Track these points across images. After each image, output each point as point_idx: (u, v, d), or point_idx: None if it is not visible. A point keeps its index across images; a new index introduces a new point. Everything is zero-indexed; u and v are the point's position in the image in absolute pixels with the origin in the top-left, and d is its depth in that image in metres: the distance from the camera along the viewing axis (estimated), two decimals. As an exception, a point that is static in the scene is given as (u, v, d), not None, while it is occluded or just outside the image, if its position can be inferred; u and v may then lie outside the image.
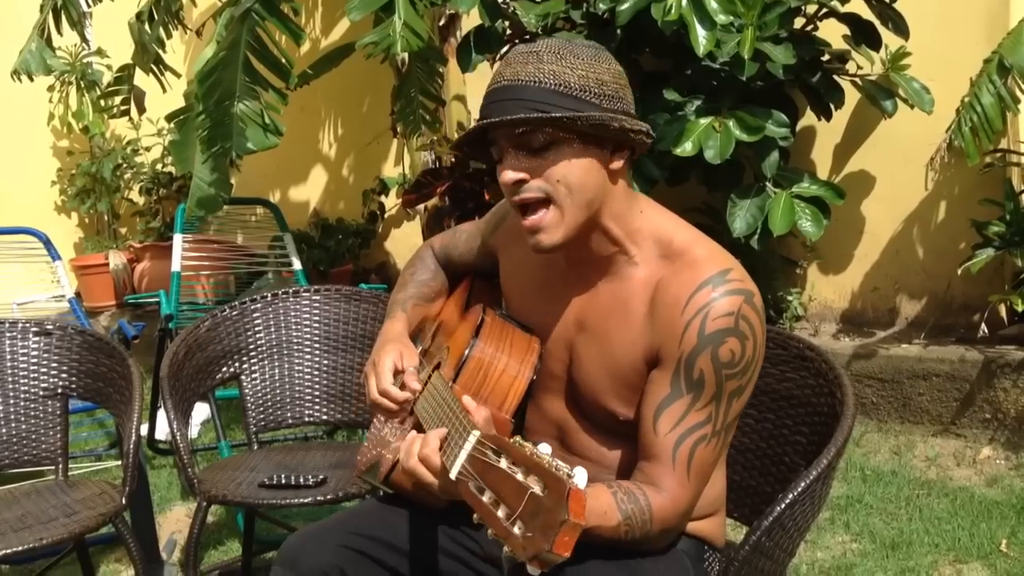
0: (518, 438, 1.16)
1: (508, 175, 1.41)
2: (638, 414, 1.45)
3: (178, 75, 4.44)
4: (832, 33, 3.63)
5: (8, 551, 2.08)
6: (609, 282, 1.50)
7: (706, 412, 1.40)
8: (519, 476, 1.10)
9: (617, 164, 1.44)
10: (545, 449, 1.13)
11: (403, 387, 1.55)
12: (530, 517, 1.08)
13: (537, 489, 1.08)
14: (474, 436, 1.18)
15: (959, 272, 3.46)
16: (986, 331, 3.56)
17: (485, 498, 1.13)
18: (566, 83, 1.38)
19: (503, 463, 1.13)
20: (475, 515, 1.15)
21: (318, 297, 2.73)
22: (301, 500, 2.24)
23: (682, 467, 1.40)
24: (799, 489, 1.43)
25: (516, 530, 1.09)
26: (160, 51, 4.17)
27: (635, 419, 1.46)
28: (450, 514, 1.55)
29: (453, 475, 1.19)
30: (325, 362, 2.70)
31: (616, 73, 1.43)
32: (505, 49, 3.78)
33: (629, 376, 1.46)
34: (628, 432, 1.47)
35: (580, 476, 1.11)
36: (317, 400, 2.70)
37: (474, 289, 1.77)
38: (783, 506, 1.42)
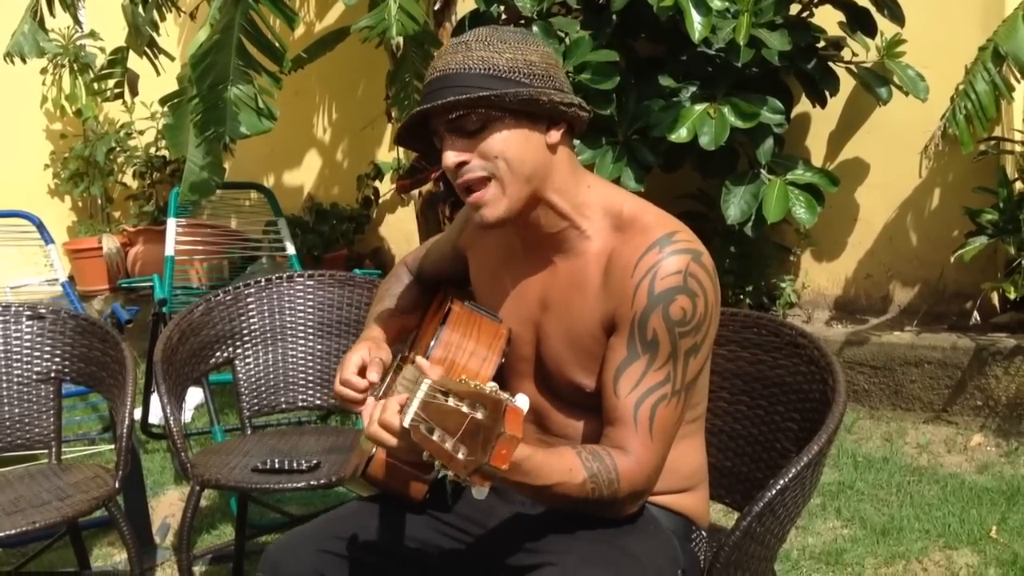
0: (464, 376, 1.22)
1: (449, 157, 1.45)
2: (599, 380, 1.48)
3: (172, 58, 4.42)
4: (828, 20, 3.63)
5: (1, 534, 2.08)
6: (565, 259, 1.53)
7: (664, 372, 1.43)
8: (464, 408, 1.16)
9: (554, 137, 1.47)
10: (492, 386, 1.19)
11: (364, 377, 1.61)
12: (471, 438, 1.15)
13: (479, 415, 1.15)
14: (425, 384, 1.22)
15: (952, 260, 3.47)
16: (978, 319, 3.57)
17: (435, 437, 1.18)
18: (494, 66, 1.43)
19: (451, 401, 1.18)
20: (425, 453, 1.19)
21: (312, 282, 2.73)
22: (294, 485, 2.25)
23: (644, 428, 1.42)
24: (790, 475, 1.44)
25: (460, 456, 1.15)
26: (154, 34, 4.15)
27: (597, 388, 1.48)
28: (429, 507, 1.57)
29: (407, 422, 1.22)
30: (319, 347, 2.71)
31: (544, 54, 1.48)
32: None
33: (590, 346, 1.49)
34: (596, 404, 1.49)
35: (521, 399, 1.18)
36: (311, 385, 2.70)
37: (447, 294, 1.79)
38: (774, 492, 1.43)
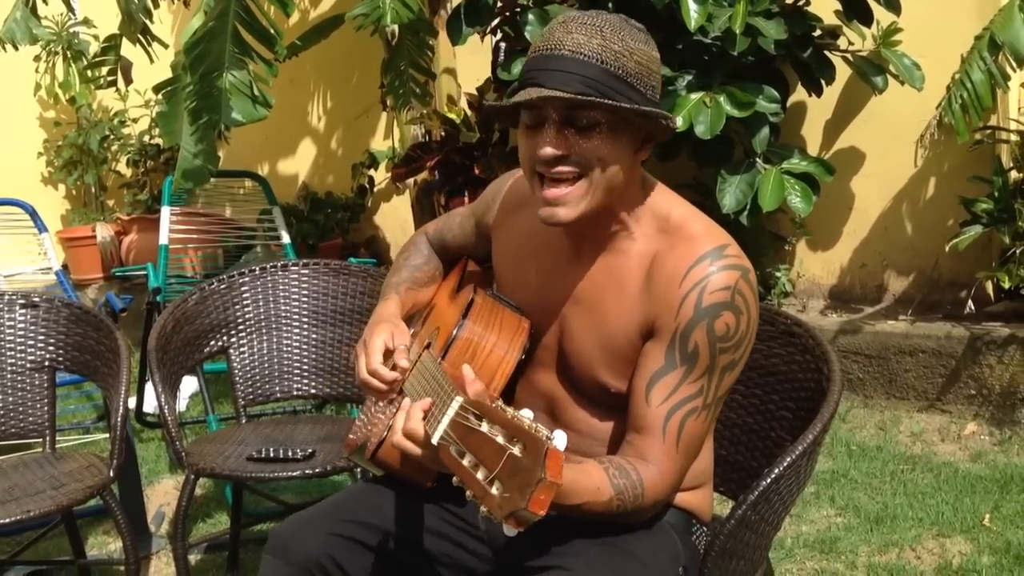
0: (500, 402, 1.16)
1: (548, 151, 1.39)
2: (630, 386, 1.46)
3: (165, 45, 4.40)
4: (824, 8, 3.62)
5: (-4, 523, 2.08)
6: (604, 256, 1.50)
7: (698, 385, 1.41)
8: (499, 439, 1.11)
9: (644, 154, 1.46)
10: (527, 413, 1.15)
11: (393, 367, 1.55)
12: (508, 477, 1.09)
13: (516, 450, 1.10)
14: (457, 402, 1.18)
15: (947, 249, 3.48)
16: (973, 308, 3.58)
17: (465, 461, 1.14)
18: (625, 68, 1.38)
19: (484, 427, 1.13)
20: (455, 478, 1.16)
21: (307, 271, 2.72)
22: (289, 473, 2.24)
23: (671, 439, 1.41)
24: (784, 464, 1.45)
25: (494, 491, 1.10)
26: (147, 21, 4.13)
27: (627, 391, 1.46)
28: (439, 493, 1.55)
29: (435, 440, 1.19)
30: (314, 336, 2.70)
31: (659, 62, 1.44)
32: (497, 22, 3.75)
33: (623, 348, 1.47)
34: (618, 404, 1.48)
35: (559, 438, 1.12)
36: (305, 374, 2.70)
37: (466, 273, 1.77)
38: (769, 480, 1.43)
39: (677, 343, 1.41)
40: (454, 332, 1.53)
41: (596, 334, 1.49)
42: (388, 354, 1.57)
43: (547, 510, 1.09)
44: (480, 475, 1.11)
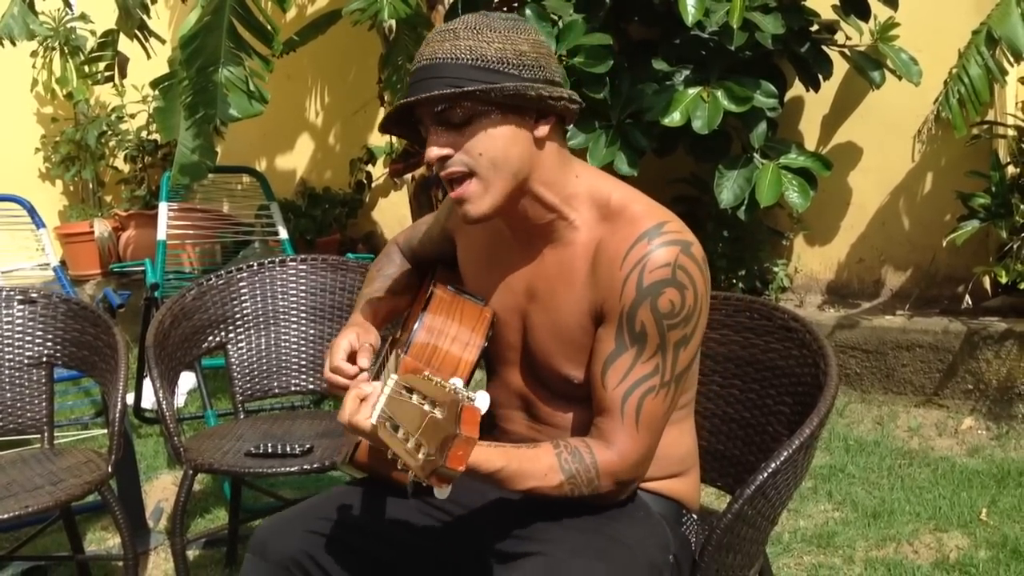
0: (427, 373, 1.20)
1: (432, 152, 1.43)
2: (588, 372, 1.47)
3: (162, 41, 4.39)
4: (821, 3, 3.62)
5: (-6, 519, 2.08)
6: (553, 248, 1.51)
7: (652, 364, 1.42)
8: (425, 406, 1.15)
9: (542, 131, 1.44)
10: (456, 382, 1.18)
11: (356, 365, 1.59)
12: (430, 439, 1.13)
13: (437, 413, 1.14)
14: (392, 379, 1.22)
15: (944, 244, 3.48)
16: (970, 303, 3.58)
17: (400, 435, 1.17)
18: (483, 56, 1.39)
19: (414, 398, 1.17)
20: (389, 453, 1.19)
21: (304, 266, 2.72)
22: (287, 469, 2.25)
23: (631, 420, 1.42)
24: (781, 459, 1.45)
25: (420, 456, 1.14)
26: (144, 16, 4.12)
27: (586, 379, 1.48)
28: (420, 489, 1.55)
29: (374, 419, 1.23)
30: (311, 331, 2.70)
31: (536, 43, 1.44)
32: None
33: (578, 337, 1.48)
34: (587, 396, 1.49)
35: (481, 398, 1.17)
36: (304, 369, 2.70)
37: (435, 275, 1.78)
38: (765, 475, 1.43)
39: (624, 325, 1.42)
40: (414, 326, 1.55)
41: (552, 326, 1.50)
42: (355, 355, 1.60)
43: (465, 465, 1.14)
44: (410, 444, 1.15)
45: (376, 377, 1.60)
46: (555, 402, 1.54)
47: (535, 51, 1.43)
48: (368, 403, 1.36)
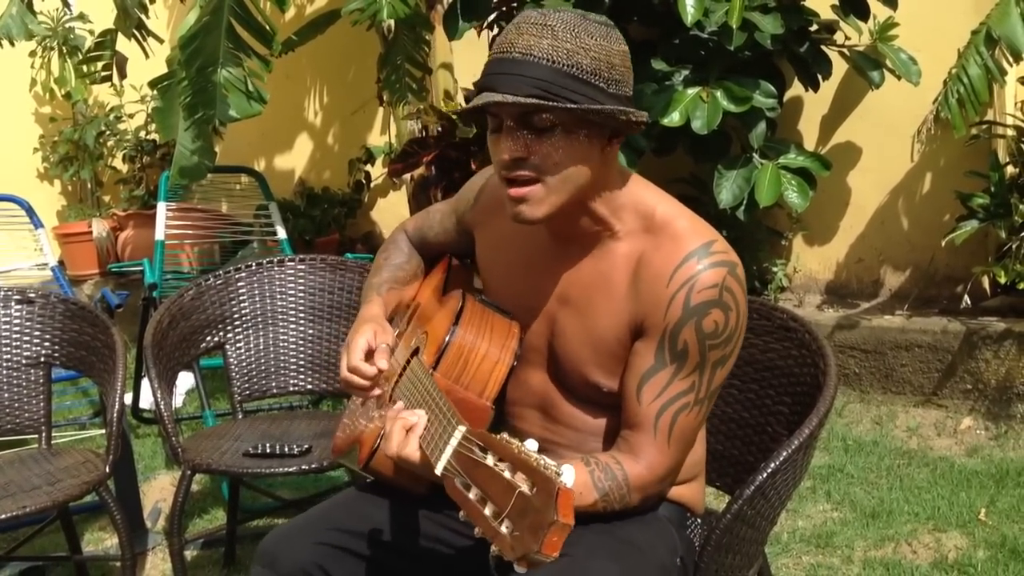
0: (504, 435, 1.14)
1: (505, 151, 1.39)
2: (622, 385, 1.46)
3: (161, 41, 4.39)
4: (820, 3, 3.61)
5: (-8, 519, 2.08)
6: (591, 256, 1.50)
7: (689, 381, 1.42)
8: (506, 474, 1.09)
9: (613, 149, 1.44)
10: (532, 446, 1.12)
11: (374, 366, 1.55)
12: (518, 516, 1.07)
13: (525, 488, 1.07)
14: (459, 432, 1.17)
15: (943, 244, 3.48)
16: (969, 303, 3.58)
17: (472, 495, 1.12)
18: (579, 66, 1.36)
19: (489, 460, 1.11)
20: (461, 513, 1.14)
21: (303, 266, 2.72)
22: (286, 469, 2.24)
23: (663, 435, 1.42)
24: (780, 459, 1.45)
25: (504, 529, 1.08)
26: (143, 16, 4.11)
27: (619, 390, 1.47)
28: (431, 498, 1.54)
29: (439, 470, 1.18)
30: (310, 331, 2.70)
31: (624, 55, 1.43)
32: (494, 16, 3.75)
33: (613, 348, 1.47)
34: (611, 402, 1.48)
35: (568, 474, 1.09)
36: (302, 370, 2.69)
37: (451, 271, 1.76)
38: (765, 475, 1.43)
39: (667, 342, 1.41)
40: (446, 339, 1.52)
41: (586, 334, 1.49)
42: (371, 354, 1.56)
43: (559, 553, 1.07)
44: (488, 511, 1.09)
45: (391, 382, 1.56)
46: (576, 405, 1.53)
47: (623, 64, 1.42)
48: (414, 434, 1.33)
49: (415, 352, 1.57)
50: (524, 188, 1.40)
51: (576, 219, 1.47)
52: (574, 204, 1.44)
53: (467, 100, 3.78)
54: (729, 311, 1.41)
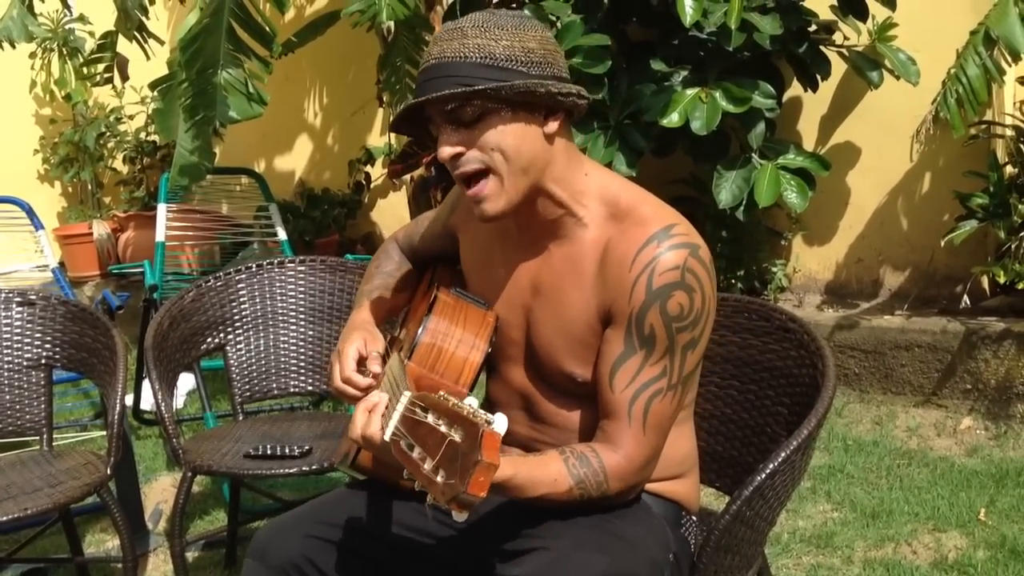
0: (443, 392, 1.20)
1: (445, 150, 1.43)
2: (595, 374, 1.48)
3: (161, 42, 4.39)
4: (819, 3, 3.62)
5: (-7, 521, 2.08)
6: (560, 245, 1.52)
7: (660, 366, 1.43)
8: (442, 427, 1.15)
9: (552, 127, 1.46)
10: (471, 401, 1.18)
11: (367, 375, 1.57)
12: (448, 463, 1.13)
13: (456, 436, 1.13)
14: (406, 396, 1.22)
15: (942, 244, 3.48)
16: (968, 303, 3.58)
17: (415, 454, 1.17)
18: (491, 54, 1.41)
19: (429, 418, 1.17)
20: (405, 472, 1.19)
21: (303, 268, 2.72)
22: (286, 470, 2.25)
23: (638, 422, 1.43)
24: (780, 459, 1.45)
25: (439, 479, 1.14)
26: (143, 18, 4.12)
27: (592, 379, 1.48)
28: (419, 492, 1.55)
29: (387, 436, 1.23)
30: (310, 333, 2.71)
31: (543, 40, 1.45)
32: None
33: (584, 336, 1.49)
34: (589, 394, 1.50)
35: (499, 421, 1.15)
36: (302, 371, 2.70)
37: (436, 274, 1.78)
38: (763, 476, 1.44)
39: (634, 328, 1.43)
40: (418, 331, 1.55)
41: (558, 324, 1.51)
42: (363, 361, 1.59)
43: (487, 491, 1.13)
44: (427, 466, 1.15)
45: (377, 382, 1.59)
46: (557, 400, 1.55)
47: (543, 48, 1.44)
48: (376, 413, 1.37)
49: (399, 350, 1.59)
50: (478, 185, 1.44)
51: (537, 207, 1.49)
52: (532, 190, 1.46)
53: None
54: (693, 292, 1.42)
